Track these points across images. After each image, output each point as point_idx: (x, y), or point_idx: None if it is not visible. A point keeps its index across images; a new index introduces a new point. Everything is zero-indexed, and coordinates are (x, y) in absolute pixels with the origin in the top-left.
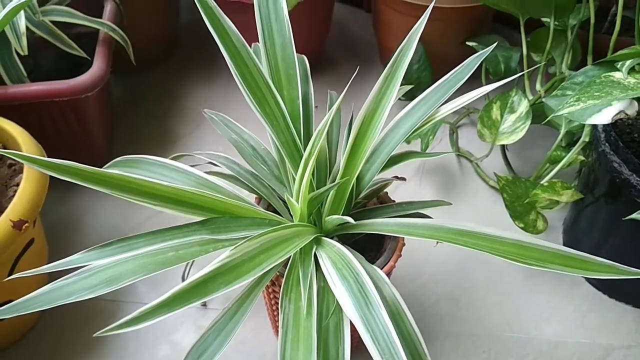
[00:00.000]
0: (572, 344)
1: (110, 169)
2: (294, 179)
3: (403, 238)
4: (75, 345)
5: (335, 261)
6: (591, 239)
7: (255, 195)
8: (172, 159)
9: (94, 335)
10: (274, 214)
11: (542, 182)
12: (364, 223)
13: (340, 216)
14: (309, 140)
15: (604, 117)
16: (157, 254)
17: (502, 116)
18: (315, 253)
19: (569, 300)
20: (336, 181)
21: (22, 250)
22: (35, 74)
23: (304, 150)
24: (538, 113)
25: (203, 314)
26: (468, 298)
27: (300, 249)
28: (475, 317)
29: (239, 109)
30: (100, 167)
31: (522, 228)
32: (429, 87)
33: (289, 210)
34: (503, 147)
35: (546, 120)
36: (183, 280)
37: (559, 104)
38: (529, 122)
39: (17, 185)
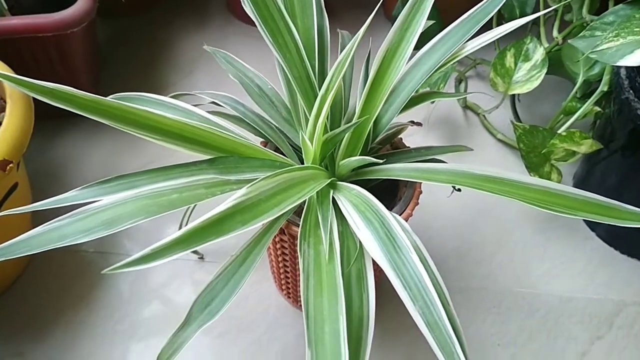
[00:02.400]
0: (583, 300)
1: None
2: (307, 119)
3: (420, 185)
4: (63, 298)
5: (357, 204)
6: (604, 193)
7: (261, 139)
8: (171, 97)
9: (102, 272)
10: (283, 156)
11: (560, 132)
12: (381, 168)
13: (360, 157)
14: (323, 77)
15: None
16: (159, 195)
17: (516, 64)
18: (332, 197)
19: (580, 255)
20: (352, 122)
21: (5, 195)
22: (17, 9)
23: (319, 87)
24: (553, 62)
25: (200, 267)
26: (477, 253)
27: (317, 192)
28: (485, 272)
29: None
30: None
31: None
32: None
33: (297, 155)
34: (513, 99)
35: (578, 59)
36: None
37: (589, 45)
38: (544, 71)
39: (0, 124)
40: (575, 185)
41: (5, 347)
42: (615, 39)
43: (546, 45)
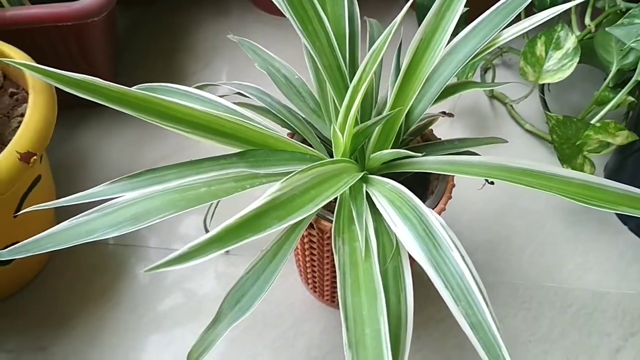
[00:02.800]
0: (617, 295)
1: None
2: (336, 111)
3: (452, 178)
4: (84, 292)
5: (392, 199)
6: (637, 186)
7: (288, 130)
8: (195, 87)
9: (143, 271)
10: (313, 149)
11: (594, 123)
12: (413, 161)
13: (393, 150)
14: (354, 66)
15: None
16: (187, 189)
17: (546, 53)
18: (366, 191)
19: (612, 249)
20: (383, 113)
21: (29, 188)
22: None
23: (350, 77)
24: (585, 51)
25: (224, 259)
26: (507, 247)
27: (350, 186)
28: (515, 266)
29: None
30: None
31: None
32: (464, 27)
33: (325, 148)
34: (542, 88)
35: (625, 48)
36: (205, 226)
37: (629, 33)
38: (576, 60)
39: (21, 115)
40: (607, 177)
41: (27, 340)
42: None
43: (578, 33)
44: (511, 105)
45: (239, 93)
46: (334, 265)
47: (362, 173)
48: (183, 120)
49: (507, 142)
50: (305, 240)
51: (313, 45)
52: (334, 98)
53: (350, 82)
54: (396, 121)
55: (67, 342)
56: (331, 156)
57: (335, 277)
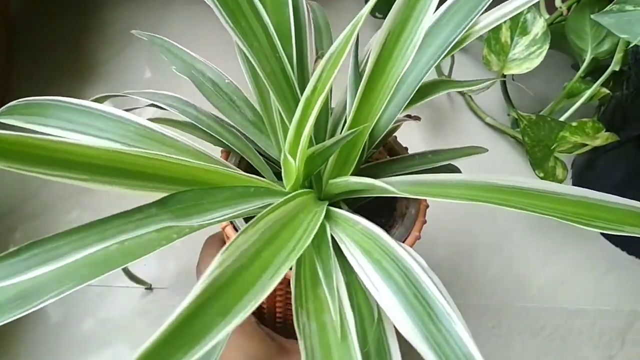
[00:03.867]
0: (592, 312)
1: (4, 119)
2: (283, 124)
3: (425, 199)
4: None
5: (368, 249)
6: (606, 186)
7: (222, 149)
8: (95, 100)
9: None
10: (255, 176)
11: (568, 122)
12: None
13: (359, 178)
14: (302, 68)
15: None
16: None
17: (512, 39)
18: (331, 235)
19: (585, 258)
20: (343, 129)
21: None
22: None
23: (297, 82)
24: (554, 36)
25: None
26: (471, 262)
27: None
28: (480, 284)
29: (181, 32)
30: None
31: (542, 178)
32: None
33: (270, 167)
34: (504, 81)
35: (587, 33)
36: (129, 275)
37: (619, 22)
38: (546, 47)
39: None
40: (575, 176)
41: None
42: None
43: (547, 16)
44: (470, 96)
45: (154, 105)
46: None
47: (323, 208)
48: (78, 164)
49: (487, 150)
50: (280, 298)
51: (250, 45)
52: (280, 110)
53: (300, 89)
54: (360, 138)
55: None
56: (277, 177)
57: None
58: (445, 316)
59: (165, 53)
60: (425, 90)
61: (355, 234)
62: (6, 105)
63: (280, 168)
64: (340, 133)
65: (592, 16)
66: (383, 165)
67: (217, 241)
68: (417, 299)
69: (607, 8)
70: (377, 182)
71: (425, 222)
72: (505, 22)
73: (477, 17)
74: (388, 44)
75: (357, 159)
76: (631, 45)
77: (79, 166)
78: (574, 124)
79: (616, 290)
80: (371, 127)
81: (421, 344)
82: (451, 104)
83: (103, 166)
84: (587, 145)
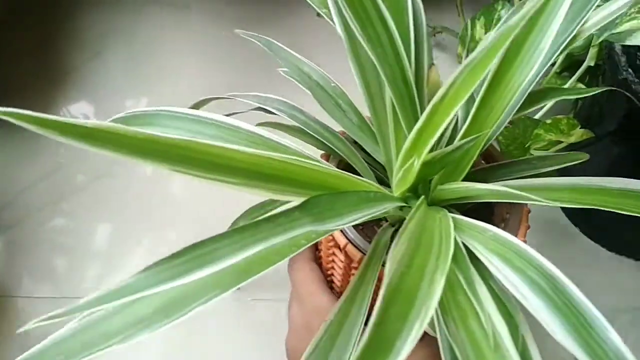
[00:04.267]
0: None
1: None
2: (394, 131)
3: (527, 204)
4: None
5: (508, 257)
6: None
7: (322, 152)
8: (193, 107)
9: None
10: (369, 180)
11: (543, 120)
12: (488, 189)
13: (474, 184)
14: (418, 78)
15: None
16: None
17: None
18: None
19: (563, 255)
20: (462, 132)
21: None
22: None
23: (416, 88)
24: None
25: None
26: None
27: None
28: None
29: (156, 36)
30: None
31: None
32: None
33: (374, 172)
34: None
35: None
36: None
37: None
38: None
39: None
40: None
41: None
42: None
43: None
44: None
45: (261, 109)
46: None
47: (445, 215)
48: (234, 168)
49: (589, 157)
50: None
51: (374, 51)
52: (400, 117)
53: (418, 95)
54: (476, 144)
55: None
56: (381, 183)
57: None
58: (597, 323)
59: (277, 56)
60: (538, 96)
61: (486, 241)
62: (113, 117)
63: (381, 173)
64: (451, 138)
65: None
66: (489, 171)
67: (304, 259)
68: (566, 305)
69: None
70: (502, 189)
71: (529, 227)
72: (479, 18)
73: (588, 14)
74: (512, 49)
75: (469, 165)
76: (600, 40)
77: (235, 171)
78: (548, 121)
79: (597, 286)
80: (489, 133)
81: (578, 353)
82: None
83: (253, 171)
84: (562, 142)
